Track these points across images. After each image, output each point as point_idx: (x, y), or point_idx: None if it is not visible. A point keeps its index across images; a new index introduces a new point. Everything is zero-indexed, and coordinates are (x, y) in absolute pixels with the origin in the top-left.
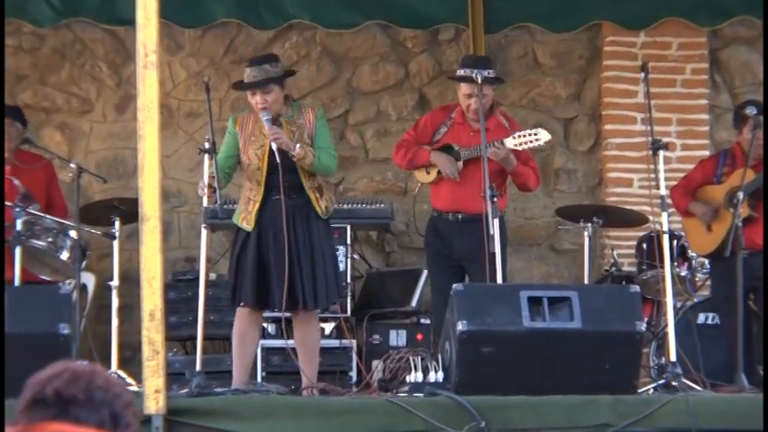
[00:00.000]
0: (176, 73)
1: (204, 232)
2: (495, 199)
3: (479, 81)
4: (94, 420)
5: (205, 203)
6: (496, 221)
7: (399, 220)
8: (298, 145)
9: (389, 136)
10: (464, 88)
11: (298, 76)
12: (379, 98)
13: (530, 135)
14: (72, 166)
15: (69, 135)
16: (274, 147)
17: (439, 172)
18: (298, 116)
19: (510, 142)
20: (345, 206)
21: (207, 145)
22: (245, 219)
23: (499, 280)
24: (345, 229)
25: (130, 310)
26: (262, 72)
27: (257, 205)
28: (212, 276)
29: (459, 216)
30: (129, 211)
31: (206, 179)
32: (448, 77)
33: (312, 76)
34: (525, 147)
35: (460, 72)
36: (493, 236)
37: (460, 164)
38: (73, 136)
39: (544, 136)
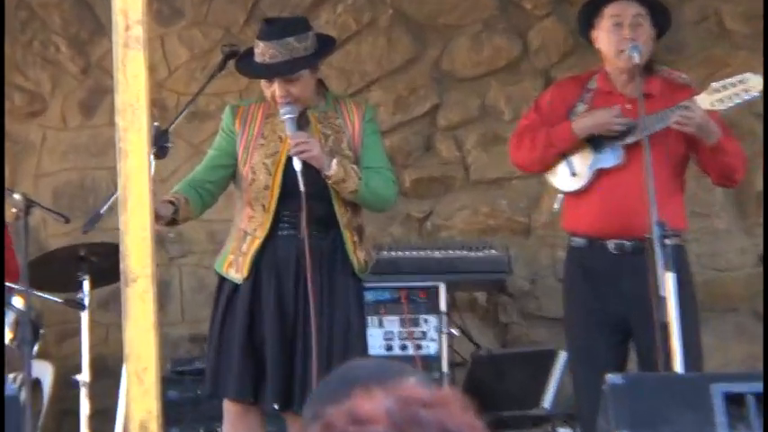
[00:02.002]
0: (173, 53)
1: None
2: (668, 240)
3: None
4: None
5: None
6: (671, 276)
7: (520, 273)
8: (335, 161)
9: (500, 144)
10: (609, 10)
11: (360, 56)
12: (485, 87)
13: (733, 86)
14: (16, 197)
15: (11, 149)
16: (297, 164)
17: (593, 172)
18: (334, 113)
19: (705, 99)
20: (437, 254)
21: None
22: (235, 264)
23: (679, 364)
24: (437, 288)
25: (108, 417)
26: (285, 50)
27: (258, 243)
28: None
29: (626, 244)
30: (103, 265)
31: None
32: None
33: (380, 54)
34: (731, 104)
35: None
36: (664, 299)
37: (623, 153)
38: (16, 150)
39: (754, 83)
